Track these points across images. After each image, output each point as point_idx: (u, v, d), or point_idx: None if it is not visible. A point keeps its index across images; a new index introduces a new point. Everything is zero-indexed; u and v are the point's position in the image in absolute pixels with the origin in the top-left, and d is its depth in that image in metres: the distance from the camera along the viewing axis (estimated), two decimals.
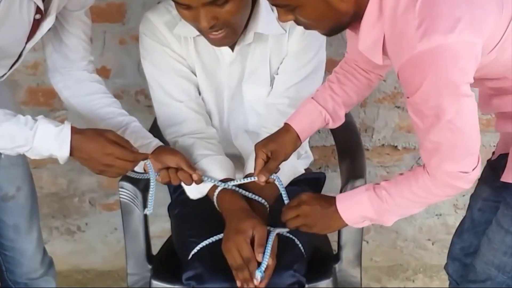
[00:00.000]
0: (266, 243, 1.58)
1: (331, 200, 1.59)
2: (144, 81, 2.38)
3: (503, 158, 1.67)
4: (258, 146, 1.67)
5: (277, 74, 1.82)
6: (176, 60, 1.79)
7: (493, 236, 1.70)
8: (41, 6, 1.52)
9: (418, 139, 1.46)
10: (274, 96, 1.83)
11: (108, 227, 2.75)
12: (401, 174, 1.54)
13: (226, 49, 1.76)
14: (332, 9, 1.37)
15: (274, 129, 1.72)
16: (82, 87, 1.77)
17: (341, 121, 1.75)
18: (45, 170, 2.59)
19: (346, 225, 1.59)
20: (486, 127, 2.50)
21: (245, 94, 1.86)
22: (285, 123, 1.70)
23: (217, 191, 1.70)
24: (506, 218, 1.66)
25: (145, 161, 1.63)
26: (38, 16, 1.54)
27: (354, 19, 1.42)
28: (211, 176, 1.71)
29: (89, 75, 1.79)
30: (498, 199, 1.74)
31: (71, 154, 1.51)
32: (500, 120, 1.67)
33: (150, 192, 1.67)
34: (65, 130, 1.50)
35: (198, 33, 1.70)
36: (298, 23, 1.44)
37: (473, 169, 1.44)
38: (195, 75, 1.82)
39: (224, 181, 1.71)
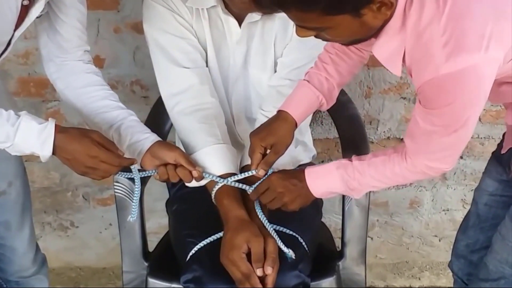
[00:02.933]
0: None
1: (301, 176, 1.61)
2: (140, 71, 2.44)
3: None
4: (255, 139, 1.64)
5: (280, 57, 1.82)
6: (185, 27, 1.77)
7: (506, 233, 1.67)
8: None
9: (411, 129, 1.47)
10: (276, 78, 1.83)
11: (103, 223, 2.72)
12: (374, 154, 1.57)
13: (234, 27, 1.76)
14: (364, 27, 1.34)
15: (274, 111, 1.71)
16: (77, 79, 1.73)
17: (333, 102, 1.75)
18: (37, 164, 2.57)
19: (315, 198, 1.64)
20: (496, 119, 2.52)
21: (249, 79, 1.85)
22: (281, 110, 1.68)
23: (215, 188, 1.68)
24: None
25: (132, 166, 1.61)
26: (26, 2, 1.50)
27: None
28: (211, 173, 1.68)
29: (84, 66, 1.75)
30: (506, 194, 1.73)
31: (53, 153, 1.49)
32: (510, 111, 1.64)
33: (134, 198, 1.65)
34: (49, 128, 1.48)
35: (211, 4, 1.71)
36: (318, 37, 1.41)
37: (451, 167, 1.51)
38: (205, 49, 1.81)
39: (224, 176, 1.68)
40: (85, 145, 1.50)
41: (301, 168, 1.63)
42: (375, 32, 1.39)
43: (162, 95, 1.81)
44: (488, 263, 1.73)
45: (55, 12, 1.65)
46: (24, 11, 1.52)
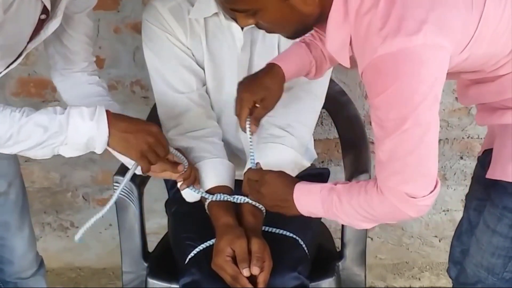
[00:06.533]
0: None
1: (292, 186, 1.53)
2: (140, 71, 2.44)
3: (488, 154, 1.60)
4: (245, 93, 1.59)
5: None
6: (179, 48, 1.77)
7: (480, 236, 1.63)
8: (48, 6, 1.49)
9: (374, 149, 1.38)
10: None
11: (103, 223, 2.71)
12: (358, 181, 1.48)
13: (238, 32, 1.76)
14: (296, 12, 1.32)
15: (278, 111, 1.69)
16: (78, 90, 1.76)
17: (321, 75, 1.70)
18: (37, 164, 2.56)
19: (300, 213, 1.55)
20: None
21: None
22: (273, 64, 1.62)
23: (206, 202, 1.70)
24: (492, 217, 1.59)
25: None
26: (43, 16, 1.52)
27: (320, 20, 1.36)
28: (198, 188, 1.69)
29: (88, 77, 1.78)
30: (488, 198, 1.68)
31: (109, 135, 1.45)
32: (480, 113, 1.60)
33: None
34: (99, 109, 1.45)
35: (213, 11, 1.71)
36: (259, 27, 1.39)
37: (423, 196, 1.34)
38: (201, 66, 1.81)
39: (216, 189, 1.70)
40: (140, 122, 1.49)
41: (296, 180, 1.57)
42: (318, 25, 1.38)
43: (160, 117, 1.82)
44: (466, 267, 1.70)
45: (63, 26, 1.65)
46: (40, 24, 1.53)
